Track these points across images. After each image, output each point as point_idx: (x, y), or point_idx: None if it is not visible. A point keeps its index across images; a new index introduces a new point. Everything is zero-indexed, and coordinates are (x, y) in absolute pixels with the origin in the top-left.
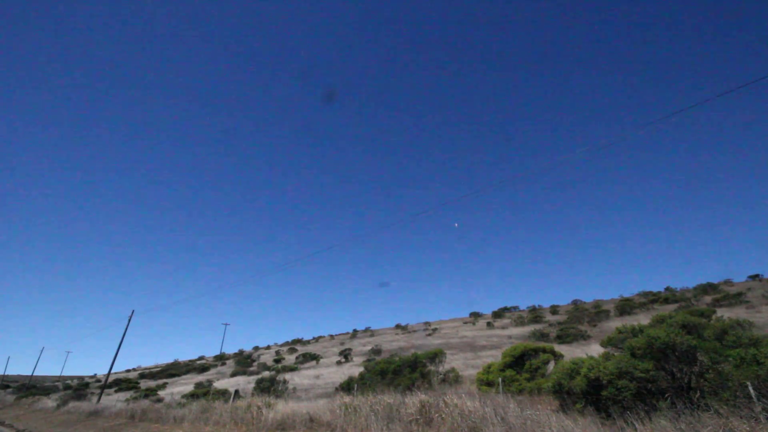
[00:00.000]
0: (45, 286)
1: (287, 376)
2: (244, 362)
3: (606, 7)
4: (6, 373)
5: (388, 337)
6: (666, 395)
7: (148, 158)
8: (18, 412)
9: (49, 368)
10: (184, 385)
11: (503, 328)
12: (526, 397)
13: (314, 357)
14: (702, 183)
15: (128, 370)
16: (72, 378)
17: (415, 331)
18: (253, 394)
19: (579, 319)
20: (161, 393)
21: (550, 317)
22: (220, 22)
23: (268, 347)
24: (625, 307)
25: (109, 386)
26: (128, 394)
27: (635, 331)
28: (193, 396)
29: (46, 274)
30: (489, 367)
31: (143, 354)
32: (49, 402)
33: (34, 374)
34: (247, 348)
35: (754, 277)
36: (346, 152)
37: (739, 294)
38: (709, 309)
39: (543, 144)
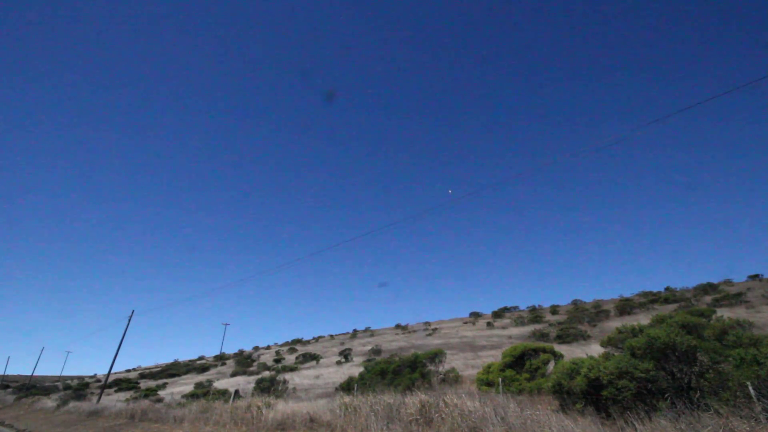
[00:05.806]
0: (45, 286)
1: (287, 376)
2: (244, 362)
3: (606, 7)
4: (6, 373)
5: (388, 337)
6: (666, 395)
7: (148, 158)
8: (18, 412)
9: (49, 368)
10: (184, 385)
11: (503, 328)
12: (526, 397)
13: (314, 357)
14: (701, 183)
15: (128, 370)
16: (72, 378)
17: (415, 331)
18: (253, 394)
19: (579, 319)
20: (161, 393)
21: (550, 317)
22: (219, 21)
23: (268, 347)
24: (625, 307)
25: (109, 386)
26: (128, 394)
27: (635, 331)
28: (193, 396)
29: (46, 274)
30: (489, 367)
31: (143, 354)
32: (49, 402)
33: (34, 374)
34: (247, 348)
35: (754, 277)
36: (346, 152)
37: (739, 294)
38: (709, 309)
39: (543, 144)
